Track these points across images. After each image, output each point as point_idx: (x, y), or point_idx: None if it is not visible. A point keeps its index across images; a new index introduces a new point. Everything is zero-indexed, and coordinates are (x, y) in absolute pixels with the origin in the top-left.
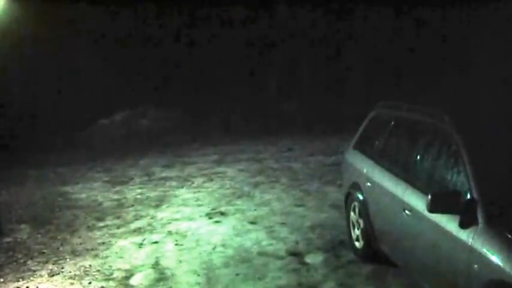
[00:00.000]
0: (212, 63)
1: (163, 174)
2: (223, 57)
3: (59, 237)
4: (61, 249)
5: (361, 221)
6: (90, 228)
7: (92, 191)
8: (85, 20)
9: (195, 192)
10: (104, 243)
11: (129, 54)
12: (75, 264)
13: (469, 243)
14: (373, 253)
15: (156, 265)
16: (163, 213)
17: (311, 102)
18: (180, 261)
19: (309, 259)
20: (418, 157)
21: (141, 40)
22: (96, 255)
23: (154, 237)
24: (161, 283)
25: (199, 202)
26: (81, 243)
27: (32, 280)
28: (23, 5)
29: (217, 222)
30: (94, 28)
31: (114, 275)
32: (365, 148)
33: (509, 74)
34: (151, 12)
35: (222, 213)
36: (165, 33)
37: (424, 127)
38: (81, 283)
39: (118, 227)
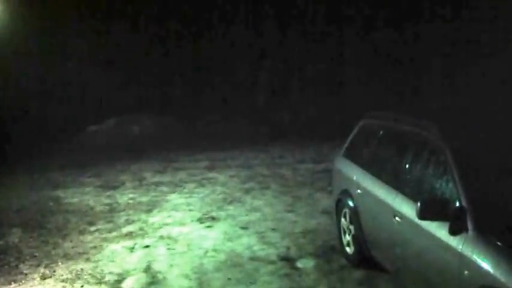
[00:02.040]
0: (204, 71)
1: (155, 180)
2: (214, 65)
3: (50, 241)
4: (53, 252)
5: (351, 227)
6: (82, 232)
7: (83, 195)
8: (79, 28)
9: (186, 198)
10: (95, 247)
11: (122, 61)
12: (67, 267)
13: (459, 250)
14: (364, 259)
15: (147, 269)
16: (154, 218)
17: (301, 111)
18: (172, 266)
19: (300, 264)
20: (407, 165)
21: (135, 47)
22: (88, 259)
23: (146, 241)
24: (153, 287)
25: (190, 207)
26: (73, 247)
27: (24, 283)
28: (16, 11)
29: (208, 227)
30: (88, 35)
31: (106, 279)
32: (354, 156)
33: (496, 83)
34: (143, 22)
35: (214, 218)
36: (158, 41)
37: (412, 137)
38: (73, 286)
39: (110, 231)
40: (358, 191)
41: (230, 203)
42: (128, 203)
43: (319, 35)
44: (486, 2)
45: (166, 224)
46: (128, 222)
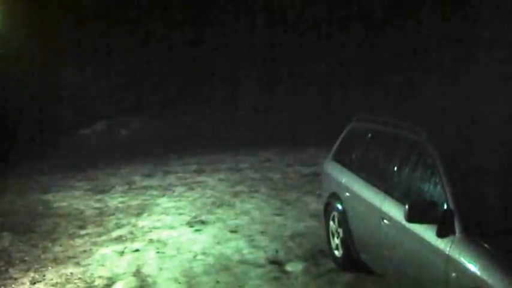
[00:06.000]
0: (192, 73)
1: (144, 183)
2: (204, 68)
3: (40, 245)
4: (43, 257)
5: (340, 230)
6: (72, 236)
7: (73, 199)
8: (71, 31)
9: (175, 201)
10: (85, 251)
11: (115, 64)
12: (56, 272)
13: (447, 252)
14: (353, 262)
15: (137, 273)
16: (144, 222)
17: (290, 114)
18: (161, 269)
19: (289, 267)
20: (396, 168)
21: (129, 52)
22: (77, 263)
23: (136, 245)
24: None
25: (180, 211)
26: (62, 251)
27: None
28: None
29: (198, 230)
30: (79, 38)
31: (96, 283)
32: (343, 159)
33: (487, 86)
34: (135, 25)
35: (203, 222)
36: (148, 45)
37: (401, 140)
38: None
39: (99, 235)
40: (347, 194)
41: (219, 206)
42: (118, 207)
43: (315, 35)
44: (485, 2)
45: (156, 228)
46: (118, 226)
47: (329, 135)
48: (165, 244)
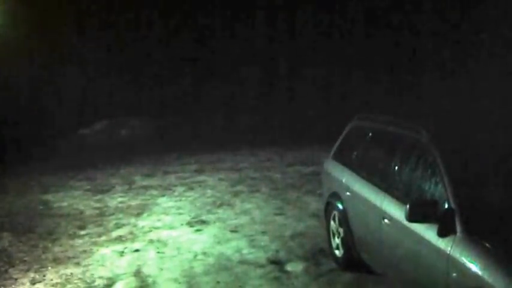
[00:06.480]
0: (192, 73)
1: (144, 183)
2: (204, 67)
3: (40, 246)
4: (43, 257)
5: (341, 230)
6: (72, 237)
7: (73, 199)
8: (71, 31)
9: (176, 201)
10: (85, 251)
11: (112, 65)
12: (57, 272)
13: (448, 252)
14: (353, 261)
15: (137, 273)
16: (144, 222)
17: (290, 114)
18: (162, 269)
19: (289, 267)
20: (396, 167)
21: (125, 51)
22: (77, 263)
23: (136, 245)
24: None
25: (180, 211)
26: (62, 251)
27: None
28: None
29: (198, 230)
30: (79, 38)
31: (96, 283)
32: (344, 158)
33: (486, 86)
34: (135, 25)
35: (203, 222)
36: (145, 46)
37: (401, 139)
38: None
39: (99, 235)
40: (347, 193)
41: (219, 206)
42: (118, 207)
43: (316, 35)
44: (486, 2)
45: (156, 228)
46: (118, 226)
47: (329, 135)
48: (165, 244)
